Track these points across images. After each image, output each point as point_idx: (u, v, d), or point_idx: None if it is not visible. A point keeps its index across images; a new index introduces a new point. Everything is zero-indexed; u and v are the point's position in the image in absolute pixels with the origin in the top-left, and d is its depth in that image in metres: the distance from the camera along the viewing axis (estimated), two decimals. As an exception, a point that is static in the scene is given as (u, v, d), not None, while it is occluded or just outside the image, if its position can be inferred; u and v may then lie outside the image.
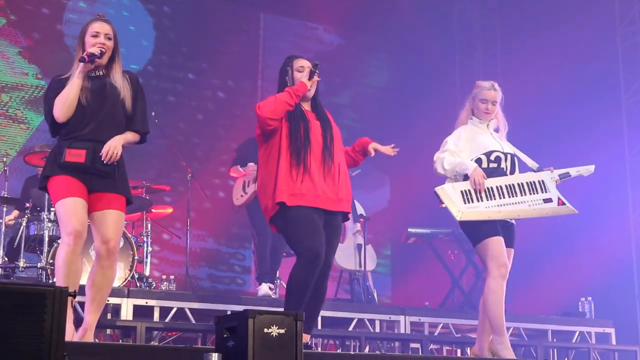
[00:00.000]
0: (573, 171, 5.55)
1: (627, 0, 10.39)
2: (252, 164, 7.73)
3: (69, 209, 4.49)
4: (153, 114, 8.38)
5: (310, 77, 5.07)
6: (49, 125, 4.70)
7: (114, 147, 4.62)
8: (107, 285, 4.66)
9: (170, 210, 8.74)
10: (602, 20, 10.44)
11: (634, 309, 9.67)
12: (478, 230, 5.36)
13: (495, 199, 5.32)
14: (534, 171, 5.56)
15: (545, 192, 5.44)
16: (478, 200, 5.29)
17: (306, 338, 4.88)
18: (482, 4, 12.26)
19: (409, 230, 9.10)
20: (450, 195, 5.30)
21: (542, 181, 5.47)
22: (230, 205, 8.14)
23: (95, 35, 4.67)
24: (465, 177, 5.37)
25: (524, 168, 5.66)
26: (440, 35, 12.29)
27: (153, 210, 8.28)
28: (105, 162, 4.58)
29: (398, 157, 12.73)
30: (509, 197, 5.36)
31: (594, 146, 10.01)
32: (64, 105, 4.57)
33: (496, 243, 5.31)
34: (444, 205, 5.33)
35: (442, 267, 9.21)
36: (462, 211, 5.26)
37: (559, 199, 5.45)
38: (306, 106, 5.14)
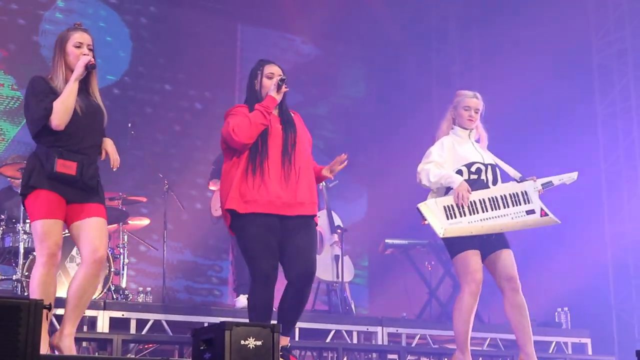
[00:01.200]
0: (556, 180, 5.52)
1: (601, 13, 10.52)
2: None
3: (47, 231, 4.49)
4: (129, 125, 8.36)
5: (279, 90, 5.00)
6: (36, 127, 4.55)
7: (115, 152, 4.77)
8: (92, 292, 4.65)
9: (147, 221, 8.69)
10: (578, 32, 10.54)
11: (610, 319, 9.74)
12: (453, 245, 5.33)
13: (478, 213, 5.27)
14: (517, 181, 5.50)
15: (528, 203, 5.39)
16: (461, 215, 5.24)
17: (285, 341, 4.85)
18: (460, 15, 12.34)
19: (386, 241, 9.10)
20: (433, 211, 5.24)
21: (525, 192, 5.42)
22: (207, 216, 8.12)
23: (79, 46, 4.66)
24: (448, 190, 5.34)
25: (506, 178, 5.61)
26: (418, 46, 12.36)
27: (129, 221, 8.23)
28: (114, 169, 4.73)
29: (375, 169, 12.77)
30: (492, 210, 5.31)
31: (570, 157, 10.09)
32: (66, 112, 4.51)
33: (470, 258, 5.27)
34: (426, 222, 5.27)
35: (420, 278, 9.22)
36: (444, 228, 5.21)
37: (541, 209, 5.40)
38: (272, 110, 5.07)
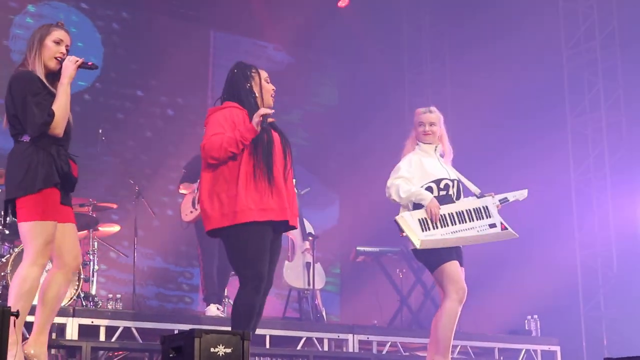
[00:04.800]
0: (510, 196, 5.75)
1: (572, 22, 10.61)
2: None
3: (51, 234, 4.36)
4: (100, 131, 8.31)
5: (262, 124, 4.90)
6: (38, 132, 4.34)
7: None
8: (64, 296, 4.62)
9: (117, 228, 8.63)
10: (548, 42, 10.64)
11: (579, 327, 9.81)
12: (435, 257, 5.49)
13: (449, 225, 5.47)
14: (477, 197, 5.71)
15: (489, 217, 5.61)
16: (434, 228, 5.43)
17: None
18: (431, 26, 12.40)
19: (358, 248, 9.11)
20: (409, 223, 5.42)
21: (486, 207, 5.63)
22: (178, 223, 8.07)
23: (59, 42, 4.56)
24: (416, 206, 5.49)
25: (467, 193, 5.82)
26: (390, 54, 12.40)
27: (100, 228, 8.16)
28: None
29: (347, 176, 12.74)
30: (460, 223, 5.52)
31: (540, 166, 10.17)
32: (65, 120, 4.41)
33: (454, 267, 5.47)
34: (404, 234, 5.45)
35: (391, 286, 9.23)
36: (421, 239, 5.39)
37: (501, 223, 5.62)
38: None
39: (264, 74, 5.20)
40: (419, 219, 5.42)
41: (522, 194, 5.77)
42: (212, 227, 4.88)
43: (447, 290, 5.46)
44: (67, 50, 4.61)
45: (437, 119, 5.75)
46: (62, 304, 6.61)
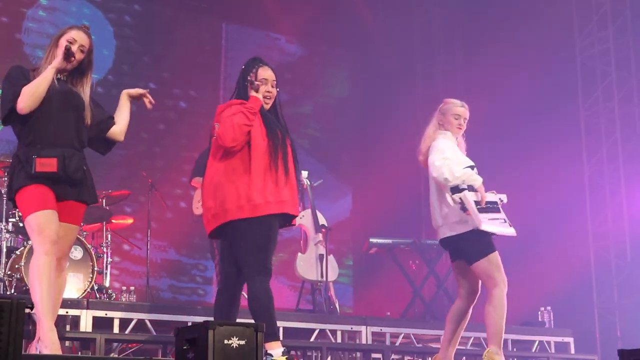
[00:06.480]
0: (504, 197, 5.71)
1: (585, 12, 10.56)
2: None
3: (44, 221, 4.39)
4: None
5: (258, 90, 4.98)
6: (3, 110, 4.52)
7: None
8: (58, 292, 4.58)
9: (130, 220, 8.65)
10: (561, 32, 10.60)
11: (592, 318, 9.79)
12: (481, 246, 5.47)
13: (488, 212, 5.48)
14: None
15: (500, 212, 5.62)
16: (481, 212, 5.42)
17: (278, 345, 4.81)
18: (443, 16, 12.37)
19: (371, 240, 9.10)
20: (472, 203, 5.39)
21: (496, 202, 5.63)
22: (191, 215, 8.09)
23: (72, 42, 4.62)
24: (453, 189, 5.43)
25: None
26: (402, 47, 12.38)
27: (113, 220, 8.19)
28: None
29: (360, 168, 12.75)
30: (493, 212, 5.53)
31: (553, 157, 10.14)
32: (33, 96, 4.45)
33: (499, 258, 5.50)
34: (469, 213, 5.39)
35: (404, 278, 9.23)
36: (482, 221, 5.38)
37: (505, 220, 5.63)
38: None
39: (261, 74, 5.09)
40: (474, 201, 5.41)
41: (504, 197, 5.76)
42: (227, 219, 4.83)
43: (494, 279, 5.44)
44: (82, 50, 4.67)
45: (467, 115, 5.76)
46: (75, 296, 6.69)
